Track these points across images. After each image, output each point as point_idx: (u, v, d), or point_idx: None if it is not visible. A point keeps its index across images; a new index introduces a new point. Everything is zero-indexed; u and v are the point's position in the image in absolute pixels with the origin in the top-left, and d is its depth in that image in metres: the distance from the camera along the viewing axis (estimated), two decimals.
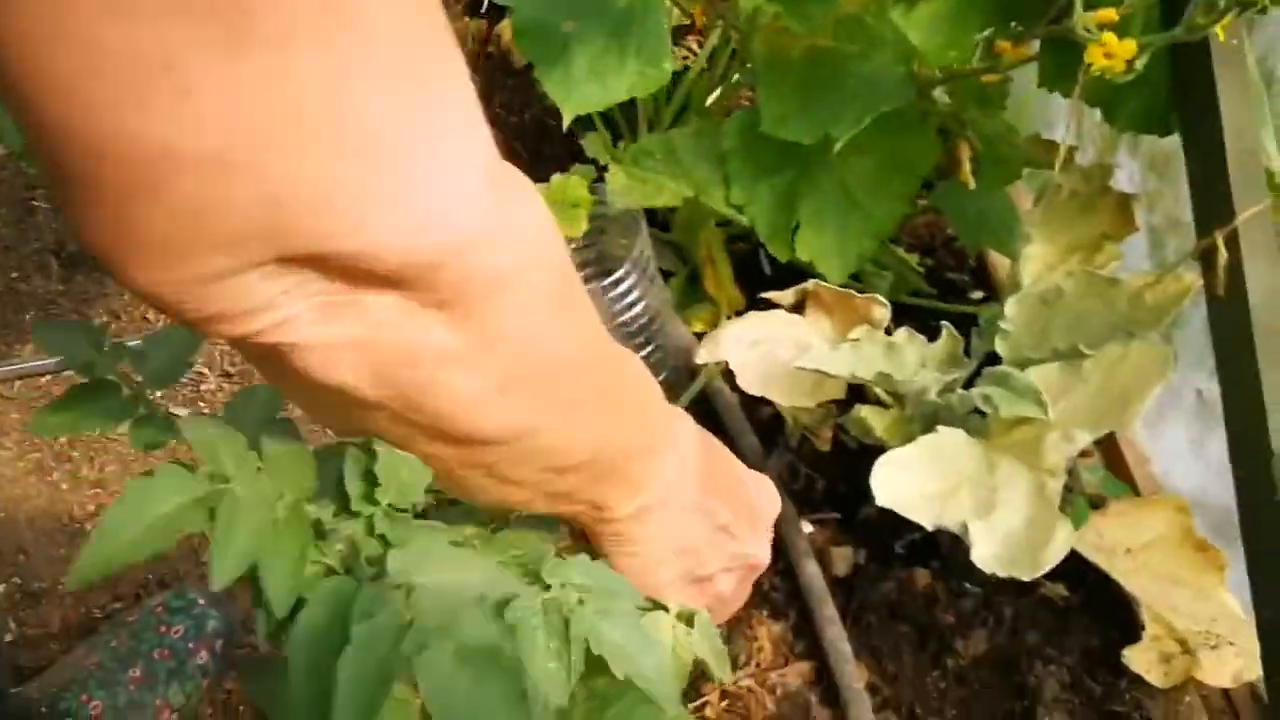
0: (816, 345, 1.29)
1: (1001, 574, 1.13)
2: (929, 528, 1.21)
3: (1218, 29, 1.10)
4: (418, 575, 0.62)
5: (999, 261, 1.85)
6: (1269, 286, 1.14)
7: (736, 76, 1.89)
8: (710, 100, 1.88)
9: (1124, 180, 1.71)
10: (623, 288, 1.50)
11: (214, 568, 0.58)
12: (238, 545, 0.58)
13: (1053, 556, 1.11)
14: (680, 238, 1.81)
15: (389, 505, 0.69)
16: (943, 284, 1.87)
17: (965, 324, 1.67)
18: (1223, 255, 1.16)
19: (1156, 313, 1.29)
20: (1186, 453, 1.62)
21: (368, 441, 0.70)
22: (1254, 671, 1.42)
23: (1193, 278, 1.28)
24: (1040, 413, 1.26)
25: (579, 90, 1.39)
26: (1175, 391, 1.62)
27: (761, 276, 1.79)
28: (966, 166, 1.77)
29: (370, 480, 0.68)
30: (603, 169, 1.72)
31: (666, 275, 1.81)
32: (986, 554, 1.15)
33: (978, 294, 1.87)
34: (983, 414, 1.34)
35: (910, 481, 1.24)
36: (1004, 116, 1.54)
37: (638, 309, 1.53)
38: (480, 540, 0.82)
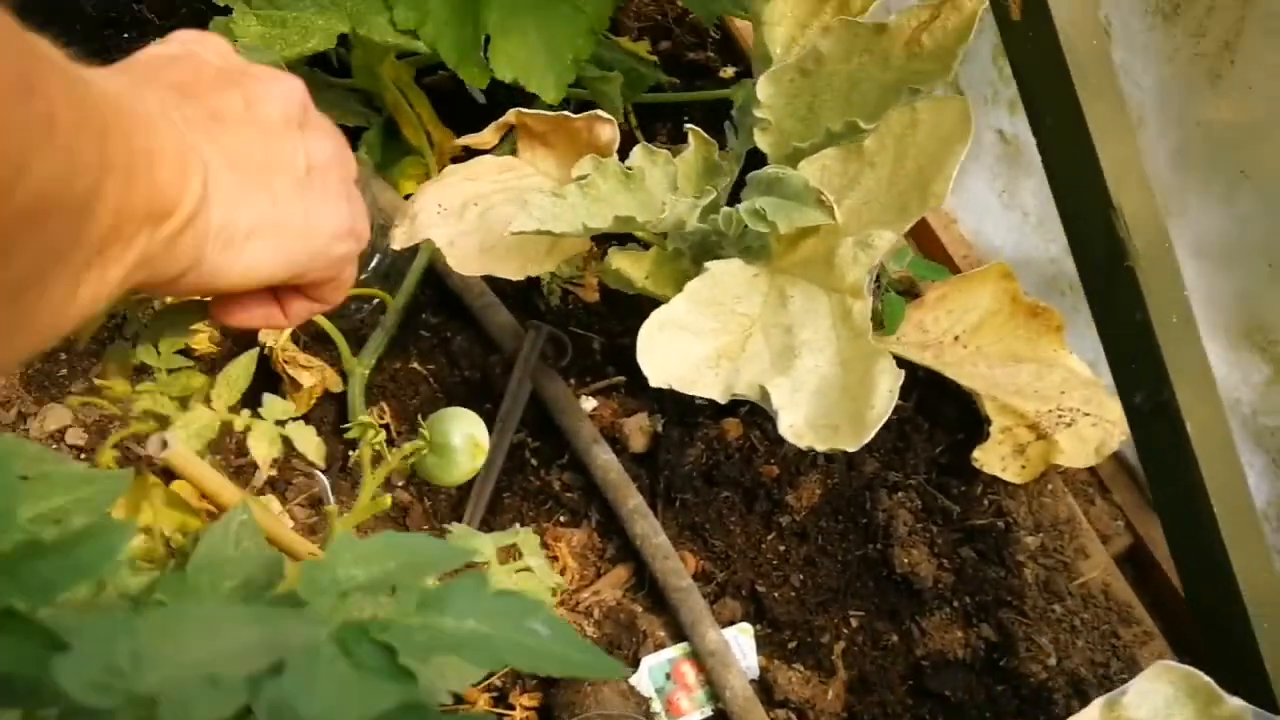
0: (534, 198, 0.98)
1: (822, 447, 0.88)
2: (721, 400, 0.95)
3: None
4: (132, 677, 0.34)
5: (746, 26, 1.56)
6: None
7: None
8: None
9: None
10: None
11: None
12: None
13: (880, 411, 0.86)
14: (362, 82, 1.45)
15: None
16: (685, 69, 1.57)
17: (721, 113, 1.38)
18: None
19: (940, 57, 1.02)
20: (996, 205, 1.40)
21: None
22: (1116, 440, 1.24)
23: (975, 3, 1.01)
24: (826, 217, 0.99)
25: None
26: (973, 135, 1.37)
27: (474, 108, 1.46)
28: None
29: None
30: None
31: (358, 131, 1.46)
32: (798, 423, 0.90)
33: (729, 70, 1.57)
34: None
35: (689, 346, 0.97)
36: None
37: None
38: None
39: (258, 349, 0.96)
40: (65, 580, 0.43)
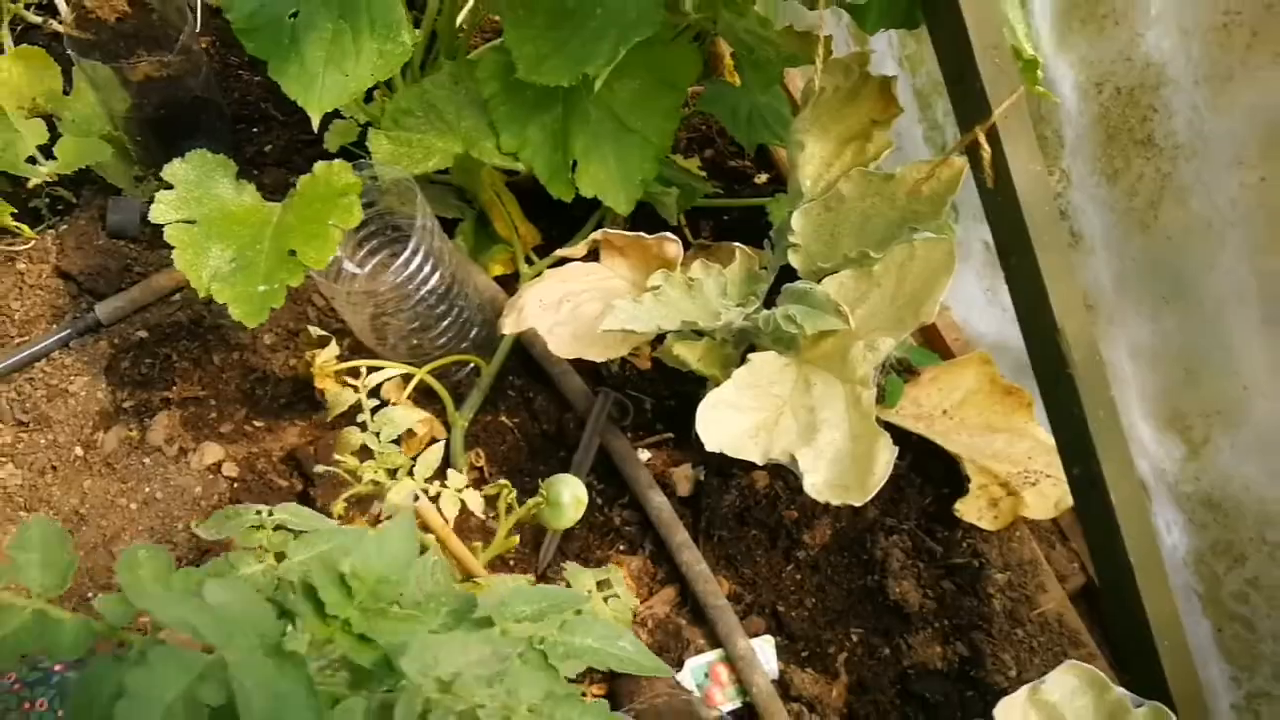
0: (619, 303, 1.28)
1: (836, 502, 1.17)
2: (760, 463, 1.25)
3: None
4: (435, 670, 0.65)
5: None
6: (1033, 174, 1.18)
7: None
8: (459, 20, 1.77)
9: (882, 44, 1.73)
10: (416, 262, 1.45)
11: None
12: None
13: (880, 476, 1.16)
14: (459, 180, 1.76)
15: (364, 605, 0.71)
16: (727, 174, 1.88)
17: (758, 216, 1.69)
18: (986, 150, 1.19)
19: (935, 202, 1.33)
20: (981, 299, 1.70)
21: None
22: (1071, 498, 1.53)
23: (963, 162, 1.31)
24: (842, 323, 1.29)
25: (319, 84, 1.32)
26: (963, 245, 1.68)
27: (551, 205, 1.76)
28: (728, 62, 1.75)
29: (344, 586, 0.70)
30: (364, 127, 1.65)
31: (453, 222, 1.77)
32: (819, 483, 1.20)
33: (763, 177, 1.88)
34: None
35: (734, 420, 1.26)
36: (755, 12, 1.52)
37: (434, 280, 1.49)
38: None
39: (444, 441, 1.26)
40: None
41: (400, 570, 0.76)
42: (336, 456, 1.21)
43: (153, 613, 0.60)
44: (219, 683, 0.57)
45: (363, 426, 1.24)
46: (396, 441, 1.24)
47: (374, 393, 1.33)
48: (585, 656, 0.81)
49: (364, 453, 1.21)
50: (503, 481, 1.19)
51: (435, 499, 1.16)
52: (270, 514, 0.93)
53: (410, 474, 1.18)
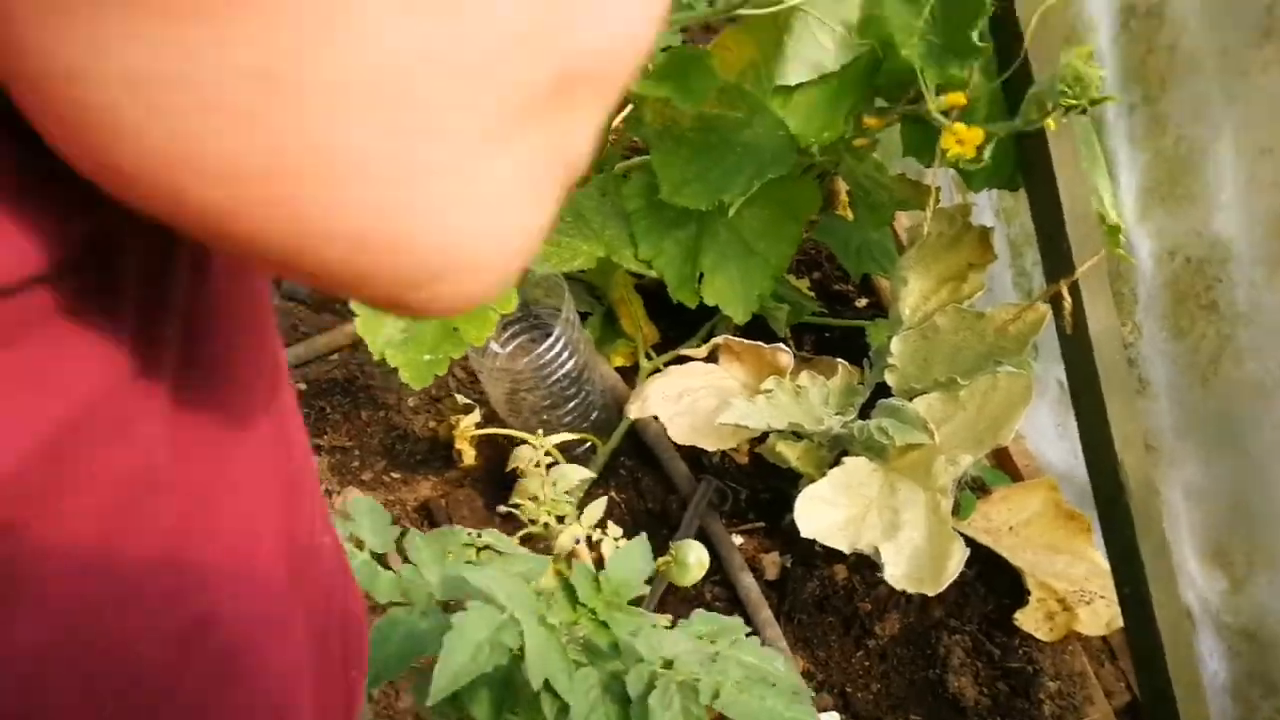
0: (735, 401, 1.48)
1: (911, 590, 1.35)
2: (847, 552, 1.43)
3: (1049, 122, 1.30)
4: (659, 652, 0.88)
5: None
6: (1107, 326, 1.37)
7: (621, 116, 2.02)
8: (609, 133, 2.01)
9: (983, 197, 1.93)
10: (556, 349, 1.67)
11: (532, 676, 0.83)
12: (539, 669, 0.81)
13: (951, 573, 1.34)
14: (594, 278, 1.98)
15: (607, 600, 0.92)
16: (831, 295, 2.08)
17: (855, 336, 1.89)
18: (1068, 302, 1.38)
19: (1019, 341, 1.52)
20: (1053, 433, 1.87)
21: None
22: (1122, 619, 1.68)
23: (1046, 309, 1.50)
24: (928, 439, 1.48)
25: None
26: (1041, 382, 1.86)
27: (671, 308, 1.97)
28: (844, 198, 1.97)
29: (596, 583, 0.91)
30: None
31: (583, 315, 1.98)
32: (898, 574, 1.37)
33: (863, 301, 2.08)
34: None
35: (828, 513, 1.45)
36: (874, 159, 1.74)
37: (569, 365, 1.70)
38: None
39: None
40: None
41: (636, 579, 0.97)
42: (515, 500, 1.42)
43: (466, 581, 0.82)
44: (514, 634, 0.78)
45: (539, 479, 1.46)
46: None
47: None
48: (748, 670, 1.00)
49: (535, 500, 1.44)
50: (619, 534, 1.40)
51: (597, 544, 1.36)
52: (479, 535, 1.14)
53: (577, 518, 1.40)
